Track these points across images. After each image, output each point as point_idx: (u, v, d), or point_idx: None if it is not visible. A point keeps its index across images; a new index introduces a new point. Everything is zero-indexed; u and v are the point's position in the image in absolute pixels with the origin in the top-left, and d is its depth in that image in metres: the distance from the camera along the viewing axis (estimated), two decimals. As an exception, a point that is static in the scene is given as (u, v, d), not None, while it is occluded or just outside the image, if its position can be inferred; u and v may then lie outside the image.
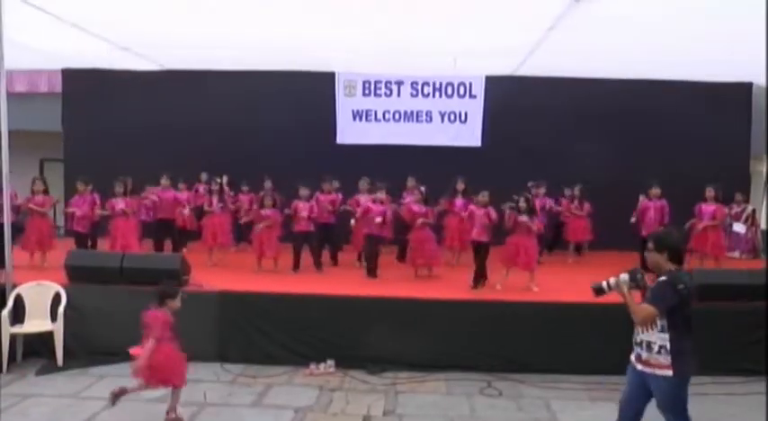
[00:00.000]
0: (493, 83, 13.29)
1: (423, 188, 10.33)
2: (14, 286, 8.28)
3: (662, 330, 4.70)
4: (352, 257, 11.48)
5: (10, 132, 8.28)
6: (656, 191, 10.92)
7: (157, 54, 12.97)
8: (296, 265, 10.48)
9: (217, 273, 9.93)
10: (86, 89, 14.26)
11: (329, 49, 11.41)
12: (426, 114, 13.52)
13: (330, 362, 8.04)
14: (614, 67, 11.94)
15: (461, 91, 13.42)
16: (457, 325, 8.03)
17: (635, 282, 4.81)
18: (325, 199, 11.19)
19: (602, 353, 7.84)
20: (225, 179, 11.75)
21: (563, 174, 12.31)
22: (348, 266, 11.14)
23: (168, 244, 11.89)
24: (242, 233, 12.07)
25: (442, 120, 13.52)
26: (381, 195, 10.21)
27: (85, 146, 14.11)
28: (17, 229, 10.32)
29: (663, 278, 4.73)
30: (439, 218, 10.89)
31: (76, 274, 8.71)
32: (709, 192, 10.78)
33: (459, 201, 11.15)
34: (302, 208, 10.54)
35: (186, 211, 12.01)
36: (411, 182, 11.46)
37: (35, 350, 8.24)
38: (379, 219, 9.99)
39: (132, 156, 13.12)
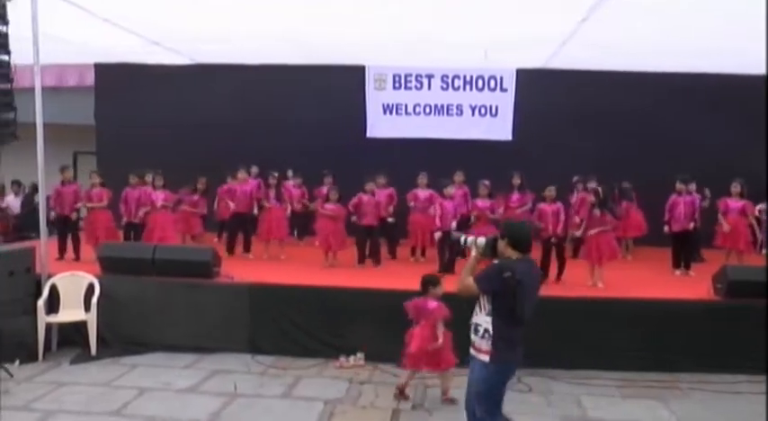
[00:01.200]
0: (524, 76, 13.20)
1: (487, 182, 10.34)
2: (49, 276, 8.45)
3: (488, 314, 4.75)
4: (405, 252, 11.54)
5: (44, 125, 8.46)
6: (683, 186, 10.78)
7: (188, 48, 13.10)
8: (361, 259, 10.65)
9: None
10: (118, 83, 14.45)
11: (359, 42, 11.43)
12: (457, 108, 13.47)
13: (360, 355, 8.09)
14: (648, 60, 11.79)
15: (492, 84, 13.34)
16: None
17: (483, 251, 4.90)
18: (381, 194, 11.25)
19: (633, 350, 7.83)
20: (290, 173, 11.96)
21: (597, 170, 12.16)
22: (404, 261, 11.19)
23: (237, 238, 11.82)
24: (299, 227, 12.16)
25: (473, 113, 13.45)
26: (450, 191, 10.19)
27: (118, 139, 14.31)
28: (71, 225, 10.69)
29: (496, 262, 4.78)
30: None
31: (109, 265, 8.88)
32: (735, 187, 10.61)
33: (515, 196, 11.15)
34: (367, 202, 10.67)
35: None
36: (459, 176, 11.54)
37: (69, 339, 8.42)
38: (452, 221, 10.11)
39: (164, 150, 13.30)
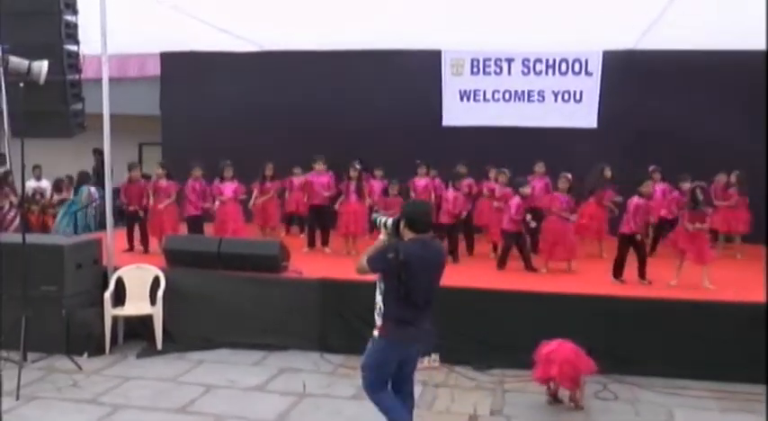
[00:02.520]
0: (611, 58, 12.90)
1: (569, 175, 10.24)
2: (115, 269, 8.69)
3: (380, 292, 5.04)
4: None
5: (111, 116, 8.71)
6: None
7: (256, 35, 13.29)
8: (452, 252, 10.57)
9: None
10: (184, 72, 14.80)
11: (434, 25, 11.37)
12: (538, 94, 13.27)
13: (435, 357, 8.01)
14: (747, 39, 11.30)
15: (576, 68, 13.08)
16: (569, 321, 7.79)
17: (390, 232, 5.10)
18: (462, 184, 11.21)
19: (730, 358, 7.49)
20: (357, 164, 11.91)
21: (691, 159, 11.77)
22: (483, 257, 11.13)
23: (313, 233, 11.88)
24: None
25: (556, 99, 13.22)
26: (526, 191, 10.11)
27: (183, 129, 14.64)
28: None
29: (389, 242, 5.06)
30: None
31: (175, 258, 9.06)
32: None
33: (609, 191, 11.04)
34: (451, 197, 10.70)
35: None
36: (540, 167, 11.43)
37: (135, 332, 8.64)
38: (531, 222, 10.02)
39: (231, 140, 13.51)
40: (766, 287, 7.62)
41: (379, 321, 5.06)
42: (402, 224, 5.03)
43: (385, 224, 5.15)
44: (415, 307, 4.98)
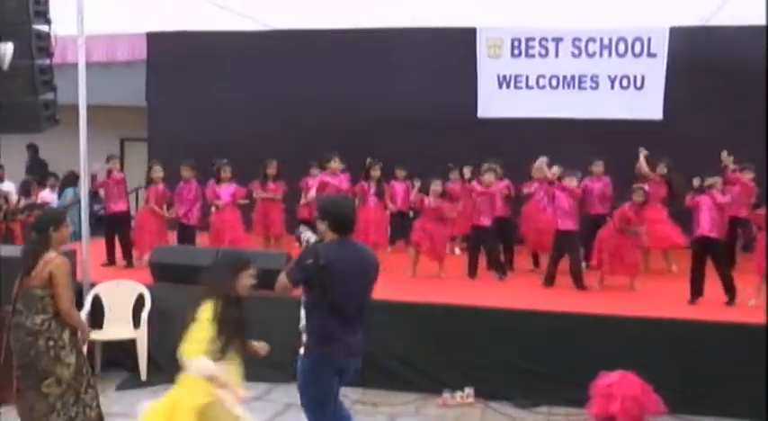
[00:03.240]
0: (679, 36, 12.77)
1: (645, 187, 10.22)
2: (92, 285, 8.68)
3: (304, 306, 5.20)
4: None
5: (87, 107, 8.72)
6: None
7: (261, 12, 13.33)
8: (472, 270, 10.51)
9: None
10: (175, 56, 14.82)
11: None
12: (592, 79, 13.18)
13: (469, 391, 8.01)
14: None
15: (637, 48, 12.98)
16: (631, 349, 7.73)
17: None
18: (498, 186, 11.16)
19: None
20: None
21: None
22: (521, 272, 11.10)
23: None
24: (399, 230, 12.21)
25: (612, 86, 13.13)
26: (573, 183, 10.08)
27: (174, 123, 14.68)
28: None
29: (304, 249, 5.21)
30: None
31: (163, 273, 9.05)
32: None
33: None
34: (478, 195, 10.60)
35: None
36: (598, 167, 11.43)
37: (115, 360, 8.65)
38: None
39: (229, 135, 13.57)
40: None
41: (305, 338, 5.21)
42: (323, 226, 5.16)
43: (308, 241, 5.26)
44: (343, 318, 5.13)
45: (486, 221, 10.53)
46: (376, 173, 11.36)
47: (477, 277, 10.44)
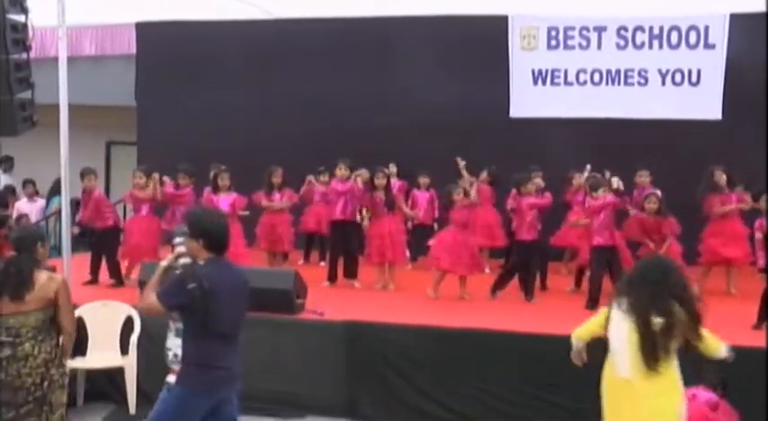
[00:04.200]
0: (740, 24, 12.69)
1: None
2: (74, 307, 8.63)
3: (177, 334, 5.32)
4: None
5: (69, 107, 8.72)
6: None
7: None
8: (497, 286, 10.47)
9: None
10: (168, 49, 14.90)
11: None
12: (640, 74, 13.05)
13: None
14: None
15: (692, 38, 12.86)
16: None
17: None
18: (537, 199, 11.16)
19: None
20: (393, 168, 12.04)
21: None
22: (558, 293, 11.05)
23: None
24: (418, 246, 12.19)
25: (663, 81, 13.01)
26: (601, 195, 9.99)
27: (166, 125, 14.75)
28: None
29: (179, 271, 5.20)
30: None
31: (154, 293, 9.01)
32: None
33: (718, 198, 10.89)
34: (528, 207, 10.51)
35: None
36: (644, 177, 11.44)
37: (101, 391, 8.59)
38: None
39: (228, 139, 13.60)
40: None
41: (176, 367, 5.26)
42: (195, 244, 5.22)
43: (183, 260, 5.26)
44: (224, 344, 5.24)
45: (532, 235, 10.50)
46: (380, 181, 11.29)
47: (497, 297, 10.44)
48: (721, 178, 10.80)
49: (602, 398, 5.78)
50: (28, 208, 14.99)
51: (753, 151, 11.74)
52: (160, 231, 11.14)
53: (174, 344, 5.25)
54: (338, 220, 11.45)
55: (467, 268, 10.41)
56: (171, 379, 5.26)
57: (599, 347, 7.92)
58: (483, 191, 11.63)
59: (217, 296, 5.07)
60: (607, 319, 5.67)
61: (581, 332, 6.07)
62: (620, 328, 5.52)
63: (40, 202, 15.30)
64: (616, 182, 10.18)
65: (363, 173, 11.61)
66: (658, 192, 10.28)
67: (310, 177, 12.56)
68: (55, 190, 14.31)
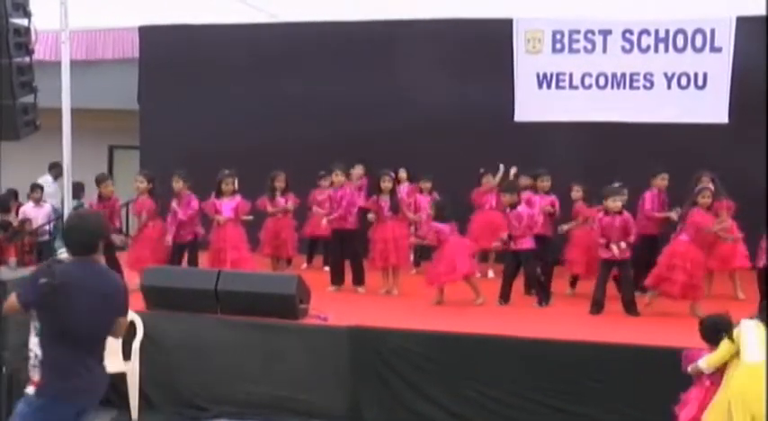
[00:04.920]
0: (746, 27, 12.67)
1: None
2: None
3: (37, 334, 5.06)
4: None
5: (72, 111, 8.74)
6: None
7: (268, 2, 13.38)
8: (505, 296, 10.48)
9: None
10: (171, 53, 14.93)
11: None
12: (645, 78, 12.96)
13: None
14: None
15: (698, 42, 12.78)
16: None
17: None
18: (544, 201, 11.21)
19: None
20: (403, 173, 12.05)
21: None
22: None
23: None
24: (426, 250, 12.15)
25: (669, 85, 12.92)
26: (616, 205, 9.99)
27: (169, 129, 14.80)
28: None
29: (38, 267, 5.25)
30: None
31: (157, 299, 9.04)
32: None
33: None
34: (525, 215, 10.48)
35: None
36: (662, 180, 11.36)
37: (103, 396, 8.58)
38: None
39: (232, 143, 13.64)
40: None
41: (36, 373, 5.06)
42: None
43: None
44: (80, 350, 5.05)
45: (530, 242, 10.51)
46: (387, 185, 11.27)
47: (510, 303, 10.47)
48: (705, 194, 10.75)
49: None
50: (34, 213, 14.98)
51: (759, 154, 11.73)
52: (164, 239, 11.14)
53: (35, 344, 5.09)
54: (337, 229, 11.53)
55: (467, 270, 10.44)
56: (30, 390, 5.04)
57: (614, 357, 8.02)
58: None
59: (69, 294, 4.92)
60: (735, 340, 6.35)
61: (715, 361, 6.45)
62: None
63: (47, 207, 15.15)
64: (676, 214, 10.33)
65: (358, 169, 11.63)
66: (710, 185, 10.12)
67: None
68: (75, 194, 14.32)
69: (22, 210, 14.67)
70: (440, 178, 12.36)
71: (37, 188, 15.27)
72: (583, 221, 10.86)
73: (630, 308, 9.77)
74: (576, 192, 11.13)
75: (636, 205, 10.98)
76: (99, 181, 11.30)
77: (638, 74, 13.00)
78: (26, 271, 9.45)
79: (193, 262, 11.17)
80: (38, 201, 15.16)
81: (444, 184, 12.05)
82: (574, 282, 11.23)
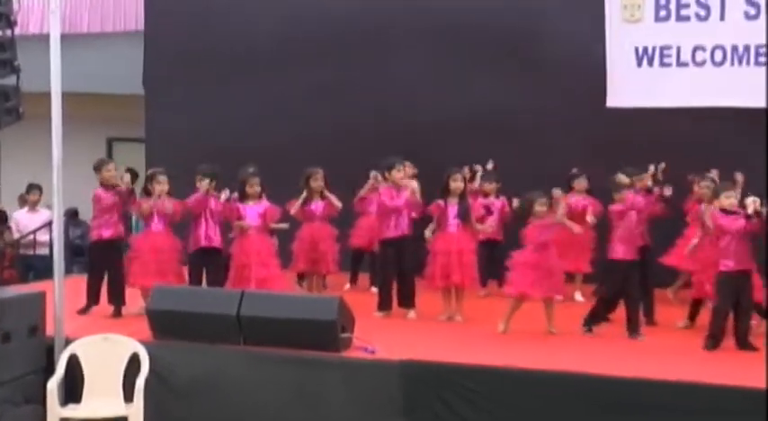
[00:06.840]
0: None
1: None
2: (68, 341, 8.68)
3: None
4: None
5: (63, 96, 8.75)
6: None
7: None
8: (592, 318, 10.30)
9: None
10: (181, 26, 15.09)
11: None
12: (776, 51, 12.89)
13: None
14: None
15: None
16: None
17: None
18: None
19: None
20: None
21: None
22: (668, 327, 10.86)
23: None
24: (490, 265, 12.18)
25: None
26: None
27: (179, 118, 14.91)
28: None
29: None
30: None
31: (165, 325, 9.03)
32: None
33: None
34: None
35: None
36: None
37: (100, 446, 8.62)
38: None
39: (255, 134, 13.74)
40: None
41: None
42: None
43: None
44: None
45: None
46: (457, 185, 11.15)
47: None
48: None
49: None
50: (27, 219, 15.03)
51: None
52: (178, 250, 11.17)
53: None
54: (390, 238, 11.44)
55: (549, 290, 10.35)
56: None
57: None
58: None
59: None
60: None
61: None
62: None
63: (44, 213, 15.11)
64: (752, 203, 10.02)
65: (409, 168, 11.65)
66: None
67: (374, 173, 12.19)
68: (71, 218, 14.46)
69: (13, 216, 14.80)
70: (507, 179, 12.49)
71: (35, 189, 15.22)
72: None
73: (743, 342, 9.57)
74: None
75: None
76: (98, 166, 11.26)
77: (764, 47, 12.80)
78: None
79: (217, 279, 11.15)
80: (34, 206, 15.13)
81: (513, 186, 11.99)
82: (695, 309, 10.90)
